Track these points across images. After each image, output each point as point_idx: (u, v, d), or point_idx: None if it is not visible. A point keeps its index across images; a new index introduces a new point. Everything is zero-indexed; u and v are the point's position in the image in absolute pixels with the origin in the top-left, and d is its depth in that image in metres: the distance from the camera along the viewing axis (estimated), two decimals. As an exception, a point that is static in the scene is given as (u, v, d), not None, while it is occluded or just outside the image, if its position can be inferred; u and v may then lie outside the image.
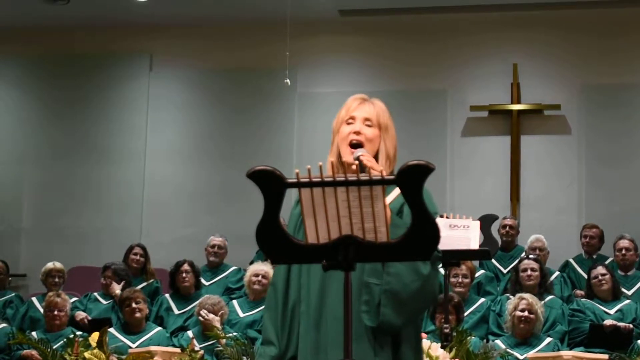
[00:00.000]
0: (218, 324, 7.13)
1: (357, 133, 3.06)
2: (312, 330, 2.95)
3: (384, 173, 2.84)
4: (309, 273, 3.00)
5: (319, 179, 2.31)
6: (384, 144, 3.09)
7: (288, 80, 8.93)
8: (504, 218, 8.98)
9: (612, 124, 9.83)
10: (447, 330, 5.12)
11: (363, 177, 2.30)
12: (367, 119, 3.09)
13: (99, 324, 7.36)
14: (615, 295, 7.67)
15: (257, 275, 7.76)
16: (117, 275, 8.25)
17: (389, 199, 2.78)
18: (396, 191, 2.89)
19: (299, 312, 3.01)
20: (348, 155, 3.06)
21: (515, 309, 6.96)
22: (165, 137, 10.53)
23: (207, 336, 7.01)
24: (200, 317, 7.31)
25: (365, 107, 3.11)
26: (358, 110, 3.10)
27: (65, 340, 6.67)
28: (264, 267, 7.75)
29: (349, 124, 3.10)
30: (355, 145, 3.06)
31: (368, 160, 2.99)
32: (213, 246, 8.99)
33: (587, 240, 8.83)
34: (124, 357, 6.42)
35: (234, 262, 9.00)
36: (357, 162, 2.95)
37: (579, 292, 8.28)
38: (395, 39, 10.28)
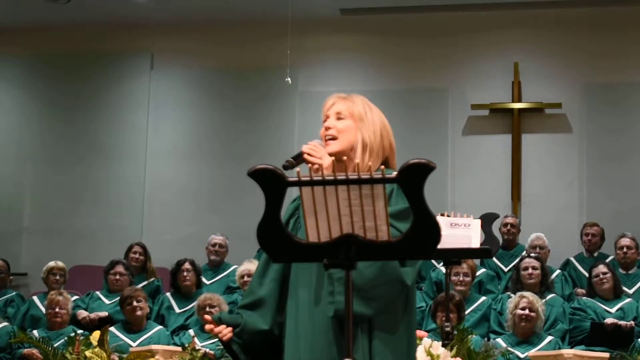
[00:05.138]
0: None
1: (327, 128, 3.09)
2: (298, 331, 2.97)
3: (326, 164, 2.89)
4: (297, 273, 3.02)
5: (320, 178, 2.31)
6: (360, 134, 3.09)
7: (289, 79, 8.93)
8: (505, 216, 8.98)
9: (613, 122, 9.82)
10: (448, 329, 5.12)
11: (364, 175, 2.30)
12: (338, 113, 3.11)
13: (103, 322, 7.38)
14: (616, 294, 7.67)
15: (242, 276, 7.88)
16: (128, 269, 8.28)
17: None
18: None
19: (286, 308, 3.04)
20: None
21: (516, 307, 6.97)
22: (166, 135, 10.54)
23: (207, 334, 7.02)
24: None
25: (338, 103, 3.13)
26: (331, 109, 3.13)
27: (66, 338, 6.67)
28: (250, 267, 7.81)
29: (324, 123, 3.13)
30: (329, 139, 3.08)
31: (311, 150, 3.03)
32: (214, 245, 9.00)
33: (589, 238, 8.83)
34: (125, 355, 6.43)
35: (235, 260, 8.99)
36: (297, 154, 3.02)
37: (580, 290, 8.29)
38: (397, 37, 10.28)
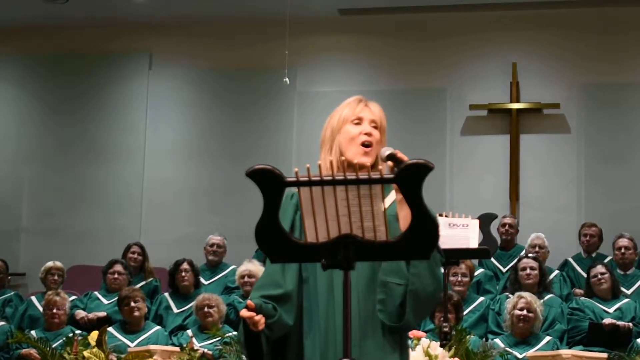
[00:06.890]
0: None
1: (369, 134, 3.06)
2: (320, 327, 2.94)
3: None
4: (315, 269, 2.99)
5: (318, 178, 2.31)
6: (382, 146, 3.10)
7: (287, 79, 8.92)
8: (504, 217, 8.98)
9: (611, 122, 9.83)
10: (446, 329, 5.12)
11: (362, 176, 2.30)
12: (373, 121, 3.09)
13: (101, 322, 7.37)
14: (614, 294, 7.67)
15: (242, 276, 7.86)
16: (127, 269, 8.28)
17: (387, 202, 2.77)
18: (392, 196, 2.89)
19: (303, 308, 2.98)
20: (359, 156, 3.01)
21: (514, 307, 6.96)
22: (164, 136, 10.53)
23: (206, 335, 7.02)
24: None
25: (371, 109, 3.12)
26: (364, 112, 3.10)
27: (64, 339, 6.67)
28: (250, 267, 7.80)
29: (356, 124, 3.08)
30: (367, 146, 3.05)
31: (400, 156, 2.99)
32: (212, 245, 8.99)
33: (587, 239, 8.83)
34: (123, 356, 6.42)
35: (233, 260, 8.99)
36: (388, 157, 2.92)
37: (578, 290, 8.28)
38: (395, 38, 10.28)
